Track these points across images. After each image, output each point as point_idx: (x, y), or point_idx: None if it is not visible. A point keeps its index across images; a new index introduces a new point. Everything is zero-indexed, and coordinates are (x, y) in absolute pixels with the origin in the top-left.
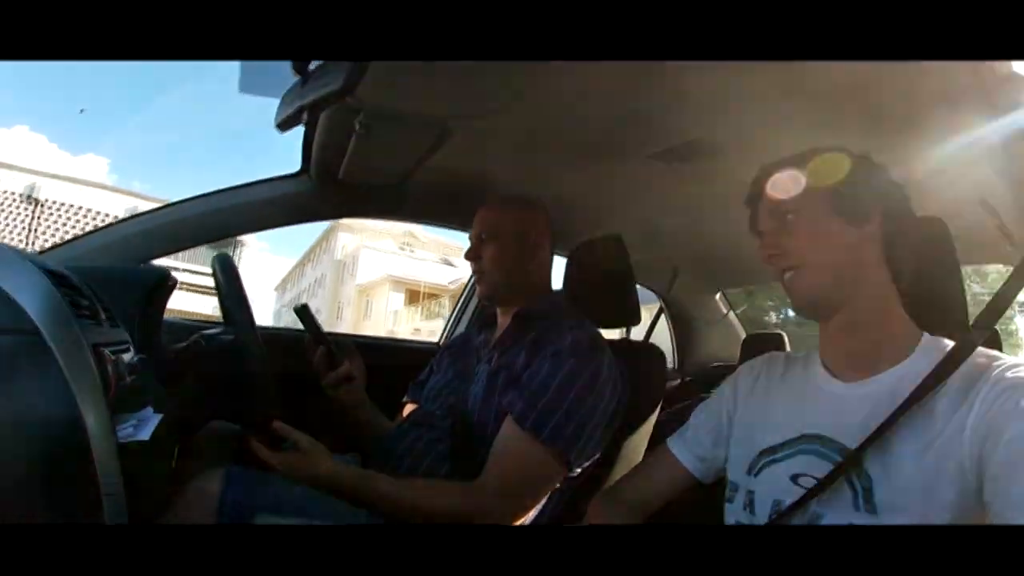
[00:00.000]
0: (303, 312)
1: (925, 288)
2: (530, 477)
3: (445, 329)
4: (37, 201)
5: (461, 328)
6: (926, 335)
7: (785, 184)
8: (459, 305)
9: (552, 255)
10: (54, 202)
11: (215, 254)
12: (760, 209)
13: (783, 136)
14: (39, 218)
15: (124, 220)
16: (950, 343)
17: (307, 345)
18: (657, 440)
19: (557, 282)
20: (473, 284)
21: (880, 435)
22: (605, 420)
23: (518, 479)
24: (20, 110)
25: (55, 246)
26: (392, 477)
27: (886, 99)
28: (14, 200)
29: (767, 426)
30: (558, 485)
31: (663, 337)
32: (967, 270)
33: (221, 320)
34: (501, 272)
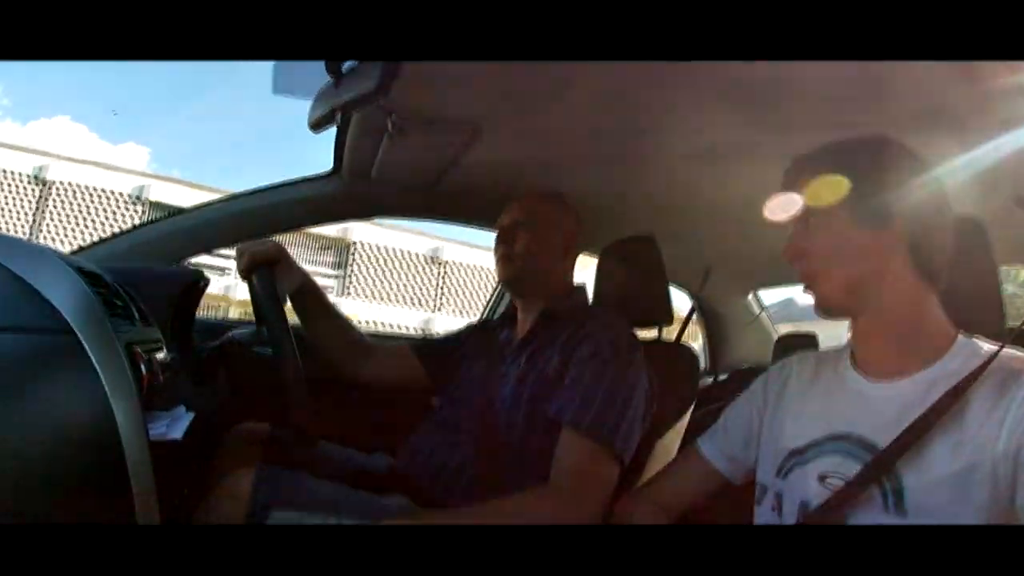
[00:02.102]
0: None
1: (960, 288)
2: (600, 478)
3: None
4: (45, 182)
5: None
6: (961, 336)
7: (806, 183)
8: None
9: (577, 256)
10: (63, 183)
11: (249, 249)
12: (788, 205)
13: (820, 136)
14: (47, 199)
15: (157, 221)
16: (985, 344)
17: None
18: (688, 441)
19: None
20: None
21: (912, 436)
22: (642, 419)
23: (591, 480)
24: (62, 99)
25: (89, 245)
26: (458, 508)
27: (925, 97)
28: (22, 181)
29: (796, 426)
30: None
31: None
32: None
33: (252, 319)
34: (531, 261)
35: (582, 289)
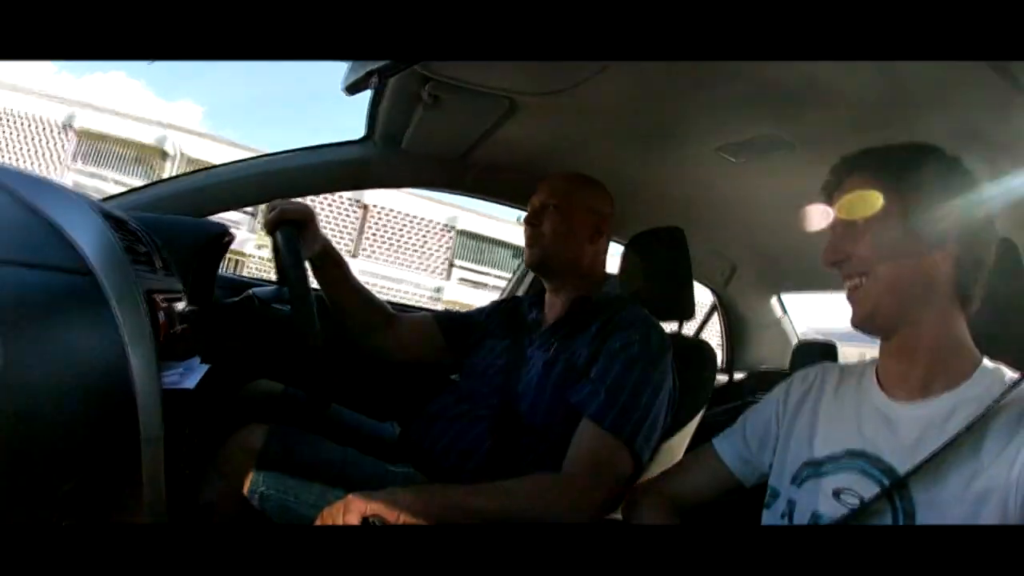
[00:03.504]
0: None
1: (990, 312)
2: (614, 473)
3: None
4: (73, 129)
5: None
6: (986, 361)
7: (863, 183)
8: (516, 275)
9: (609, 243)
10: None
11: (279, 206)
12: (837, 198)
13: (858, 137)
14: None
15: (189, 173)
16: (1008, 372)
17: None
18: (701, 439)
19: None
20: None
21: (930, 462)
22: (664, 420)
23: (604, 473)
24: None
25: (118, 194)
26: (468, 485)
27: (963, 104)
28: (51, 130)
29: (815, 437)
30: None
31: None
32: None
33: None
34: (558, 243)
35: (614, 278)
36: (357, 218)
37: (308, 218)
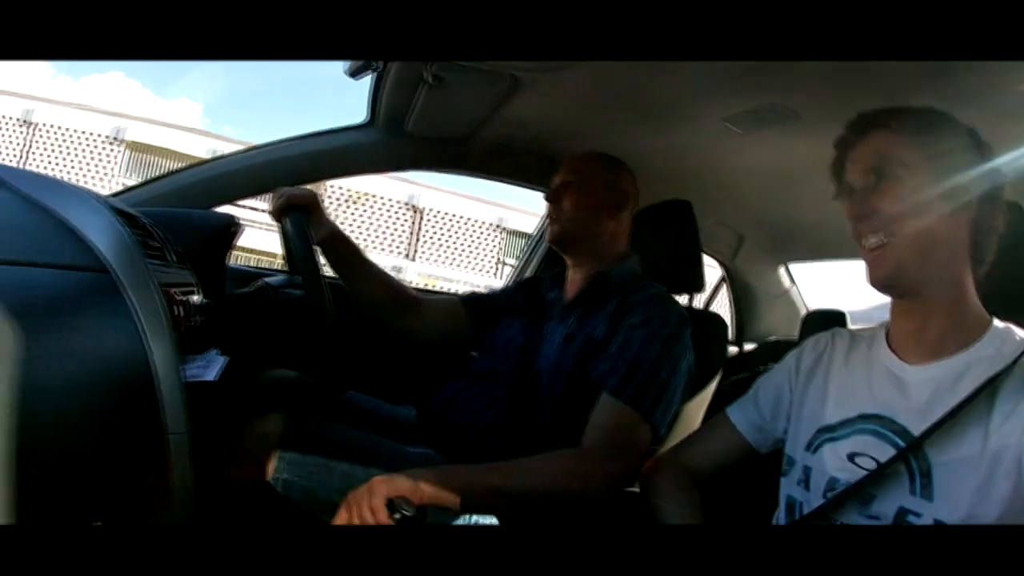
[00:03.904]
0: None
1: (997, 274)
2: (633, 446)
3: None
4: (32, 124)
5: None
6: (996, 321)
7: (887, 140)
8: (527, 252)
9: (631, 221)
10: (50, 126)
11: (286, 193)
12: (851, 160)
13: (863, 104)
14: (33, 143)
15: (193, 166)
16: (1020, 332)
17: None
18: (714, 410)
19: None
20: (543, 230)
21: (945, 422)
22: (681, 394)
23: (623, 447)
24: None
25: (125, 189)
26: (490, 463)
27: (965, 74)
28: (9, 124)
29: (827, 403)
30: None
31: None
32: None
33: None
34: (578, 220)
35: (634, 255)
36: (411, 221)
37: (313, 203)
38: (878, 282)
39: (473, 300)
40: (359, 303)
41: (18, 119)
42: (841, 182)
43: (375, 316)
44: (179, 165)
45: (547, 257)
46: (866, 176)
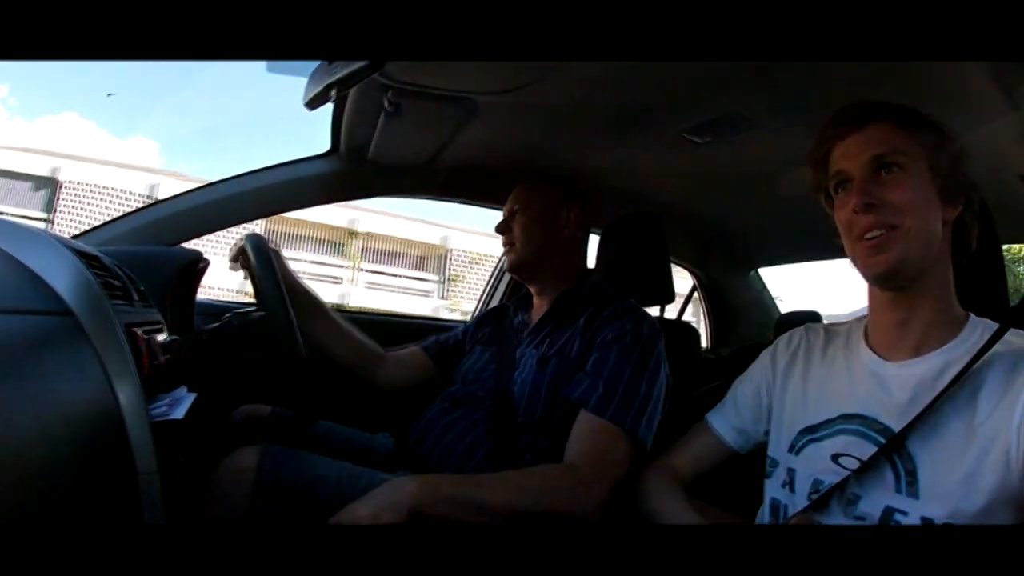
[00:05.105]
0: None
1: (970, 268)
2: (619, 464)
3: (477, 307)
4: (58, 183)
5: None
6: (972, 317)
7: (890, 131)
8: (491, 282)
9: (588, 236)
10: (75, 182)
11: (247, 234)
12: (842, 152)
13: (821, 109)
14: (59, 200)
15: (155, 203)
16: (995, 324)
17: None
18: (691, 418)
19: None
20: (503, 262)
21: (926, 417)
22: (662, 405)
23: (610, 465)
24: (67, 95)
25: (88, 230)
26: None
27: (927, 72)
28: (136, 201)
29: (807, 404)
30: None
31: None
32: None
33: (253, 300)
34: (530, 245)
35: (596, 272)
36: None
37: (274, 252)
38: (880, 273)
39: (435, 346)
40: (326, 357)
41: None
42: (825, 175)
43: (341, 369)
44: (113, 202)
45: (512, 284)
46: (866, 167)
